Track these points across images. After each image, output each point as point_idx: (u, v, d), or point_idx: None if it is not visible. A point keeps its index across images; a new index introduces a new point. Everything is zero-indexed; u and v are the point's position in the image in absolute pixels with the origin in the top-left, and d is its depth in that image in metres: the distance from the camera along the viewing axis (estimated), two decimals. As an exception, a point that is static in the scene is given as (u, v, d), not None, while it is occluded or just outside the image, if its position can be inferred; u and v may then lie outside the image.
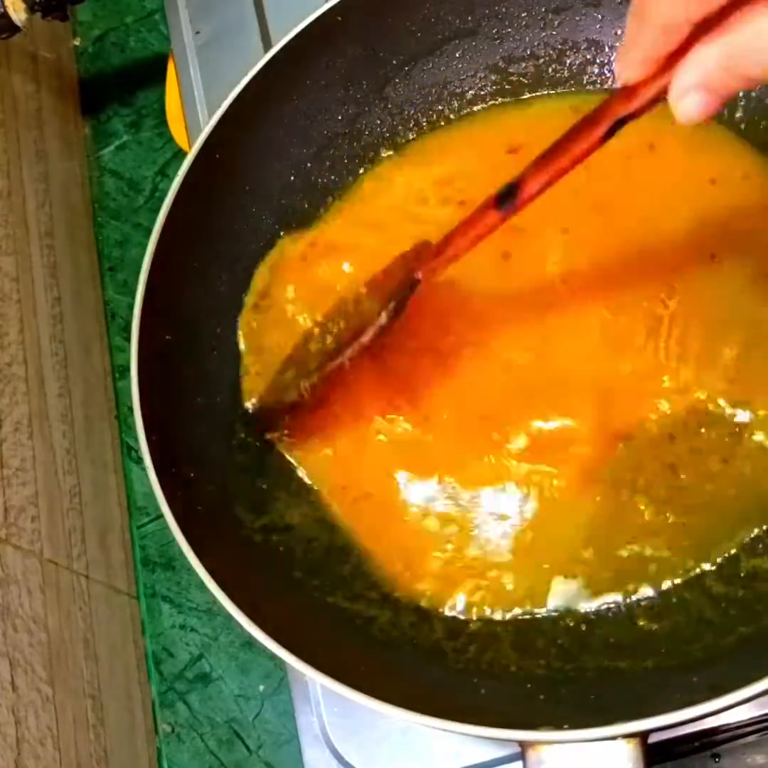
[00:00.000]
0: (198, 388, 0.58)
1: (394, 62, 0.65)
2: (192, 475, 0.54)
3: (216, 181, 0.60)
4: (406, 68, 0.65)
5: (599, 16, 0.64)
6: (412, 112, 0.66)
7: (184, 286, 0.58)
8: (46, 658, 0.61)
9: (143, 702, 0.71)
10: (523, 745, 0.43)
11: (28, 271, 0.74)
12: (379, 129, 0.66)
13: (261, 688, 0.69)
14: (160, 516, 0.49)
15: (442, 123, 0.66)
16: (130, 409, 0.53)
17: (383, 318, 0.53)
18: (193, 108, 0.76)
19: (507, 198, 0.47)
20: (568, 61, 0.65)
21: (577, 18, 0.65)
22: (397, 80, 0.65)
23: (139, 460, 0.76)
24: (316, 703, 0.58)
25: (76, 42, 0.93)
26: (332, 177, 0.65)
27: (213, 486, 0.55)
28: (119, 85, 0.91)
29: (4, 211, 0.73)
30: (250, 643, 0.70)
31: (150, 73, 0.89)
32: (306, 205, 0.64)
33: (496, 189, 0.47)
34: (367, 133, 0.66)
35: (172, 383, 0.56)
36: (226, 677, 0.70)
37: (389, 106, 0.66)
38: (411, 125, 0.66)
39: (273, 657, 0.69)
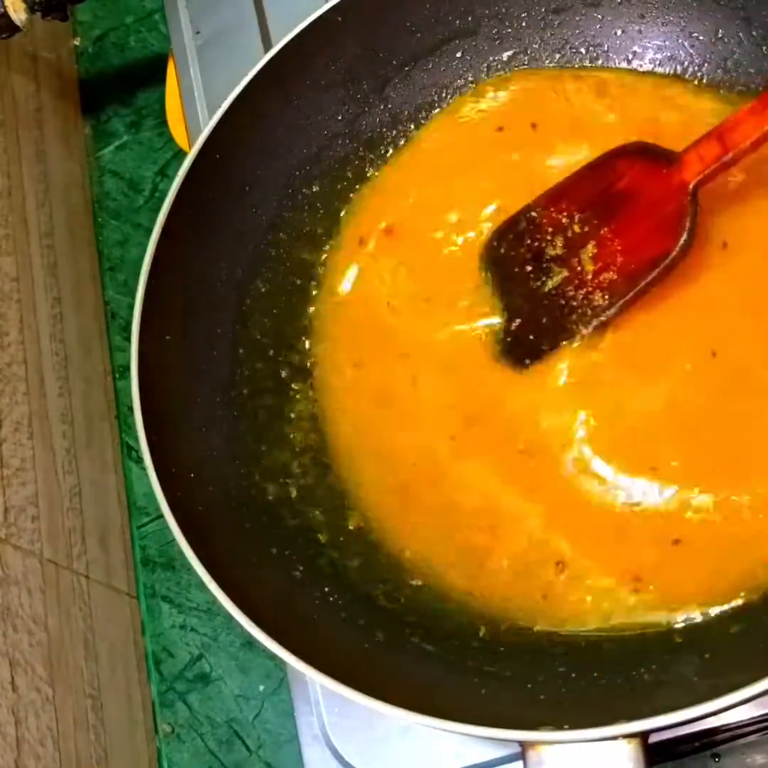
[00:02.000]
0: (198, 388, 0.58)
1: (394, 62, 0.65)
2: (192, 475, 0.54)
3: (216, 181, 0.60)
4: (406, 68, 0.65)
5: (599, 17, 0.64)
6: (413, 112, 0.66)
7: (183, 286, 0.58)
8: (46, 658, 0.61)
9: (143, 702, 0.71)
10: (523, 745, 0.43)
11: (28, 271, 0.74)
12: (379, 129, 0.66)
13: (261, 688, 0.69)
14: (160, 516, 0.49)
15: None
16: (130, 409, 0.53)
17: (680, 245, 0.52)
18: (193, 108, 0.76)
19: None
20: (567, 61, 0.65)
21: (577, 18, 0.65)
22: (396, 80, 0.65)
23: (139, 460, 0.76)
24: (316, 703, 0.58)
25: (76, 42, 0.93)
26: (333, 177, 0.65)
27: (213, 486, 0.55)
28: (119, 85, 0.91)
29: (4, 211, 0.73)
30: (250, 643, 0.70)
31: (150, 73, 0.89)
32: (306, 206, 0.64)
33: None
34: (367, 133, 0.66)
35: (172, 383, 0.56)
36: (226, 677, 0.70)
37: (389, 106, 0.66)
38: (411, 126, 0.66)
39: (273, 657, 0.69)
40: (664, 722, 0.41)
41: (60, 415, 0.73)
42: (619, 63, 0.65)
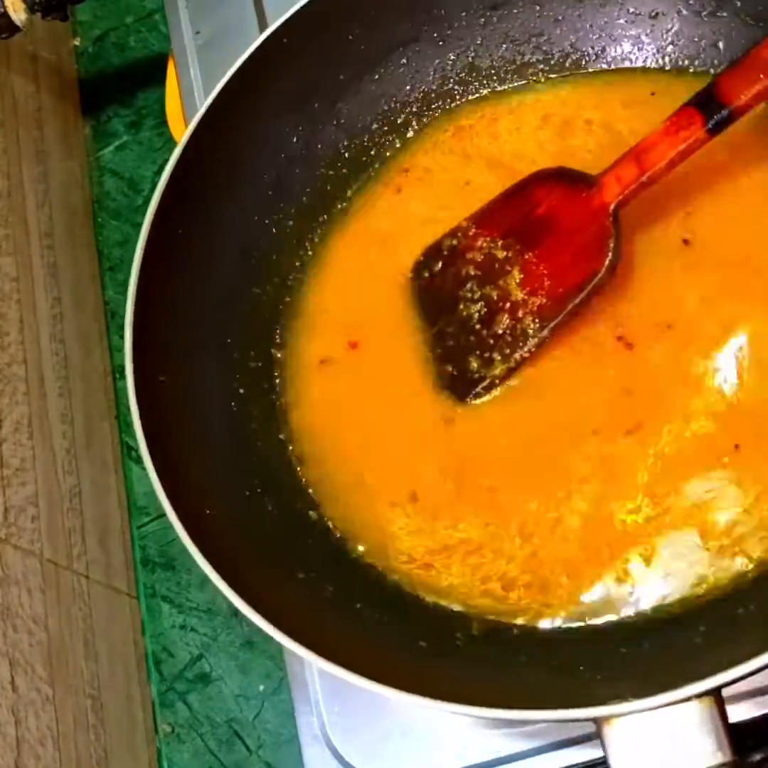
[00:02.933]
0: (196, 388, 0.58)
1: (342, 78, 0.64)
2: (192, 473, 0.54)
3: (205, 173, 0.59)
4: (356, 83, 0.64)
5: (537, 7, 0.65)
6: (368, 124, 0.65)
7: (176, 284, 0.58)
8: (46, 658, 0.61)
9: (143, 702, 0.71)
10: (598, 722, 0.43)
11: (28, 271, 0.74)
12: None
13: (261, 688, 0.69)
14: (161, 516, 0.50)
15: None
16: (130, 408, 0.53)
17: (606, 266, 0.54)
18: (193, 108, 0.75)
19: (710, 108, 0.47)
20: (511, 55, 0.65)
21: (515, 11, 0.65)
22: (348, 95, 0.64)
23: (139, 460, 0.75)
24: (316, 703, 0.58)
25: (76, 42, 0.93)
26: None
27: (213, 485, 0.55)
28: (119, 85, 0.91)
29: (4, 211, 0.73)
30: (251, 642, 0.70)
31: (150, 73, 0.89)
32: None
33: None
34: (327, 151, 0.65)
35: (170, 382, 0.56)
36: (226, 677, 0.70)
37: (342, 121, 0.65)
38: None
39: (273, 657, 0.69)
40: (733, 675, 0.41)
41: (60, 415, 0.73)
42: (563, 48, 0.65)
